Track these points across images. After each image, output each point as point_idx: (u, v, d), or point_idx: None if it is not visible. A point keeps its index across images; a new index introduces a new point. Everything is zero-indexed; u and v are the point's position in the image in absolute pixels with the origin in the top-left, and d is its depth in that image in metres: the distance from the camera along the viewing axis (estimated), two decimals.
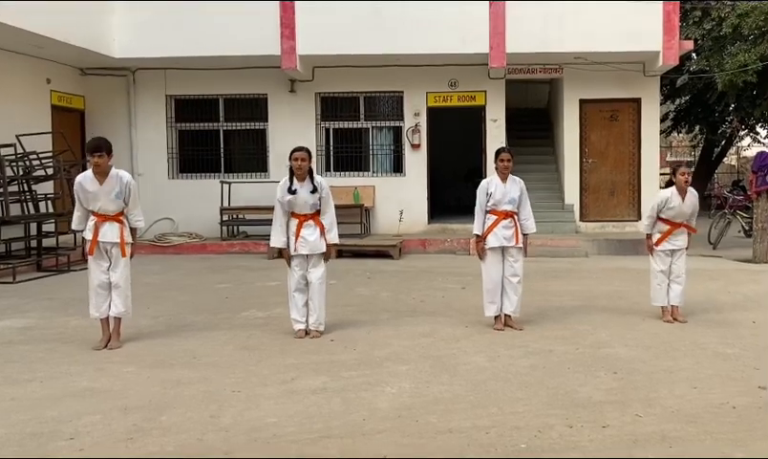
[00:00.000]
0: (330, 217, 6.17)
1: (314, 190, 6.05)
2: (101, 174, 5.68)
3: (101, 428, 3.96)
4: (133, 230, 5.97)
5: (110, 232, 5.75)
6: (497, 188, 6.36)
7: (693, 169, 14.33)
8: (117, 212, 5.79)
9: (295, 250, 6.10)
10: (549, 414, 4.13)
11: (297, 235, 6.07)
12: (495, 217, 6.35)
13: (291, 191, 6.02)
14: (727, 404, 4.29)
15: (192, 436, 3.85)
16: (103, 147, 5.62)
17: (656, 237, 6.68)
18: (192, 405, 4.33)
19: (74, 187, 5.82)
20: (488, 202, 6.37)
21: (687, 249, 6.68)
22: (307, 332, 6.15)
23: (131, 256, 5.94)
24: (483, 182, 6.54)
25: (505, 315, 6.42)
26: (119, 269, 5.84)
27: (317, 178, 6.13)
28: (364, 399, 4.44)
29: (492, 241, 6.35)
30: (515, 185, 6.42)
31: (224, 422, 4.06)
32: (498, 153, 6.48)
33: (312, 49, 12.40)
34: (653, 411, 4.17)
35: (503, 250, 6.41)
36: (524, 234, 6.44)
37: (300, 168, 6.01)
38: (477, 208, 6.44)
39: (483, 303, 6.46)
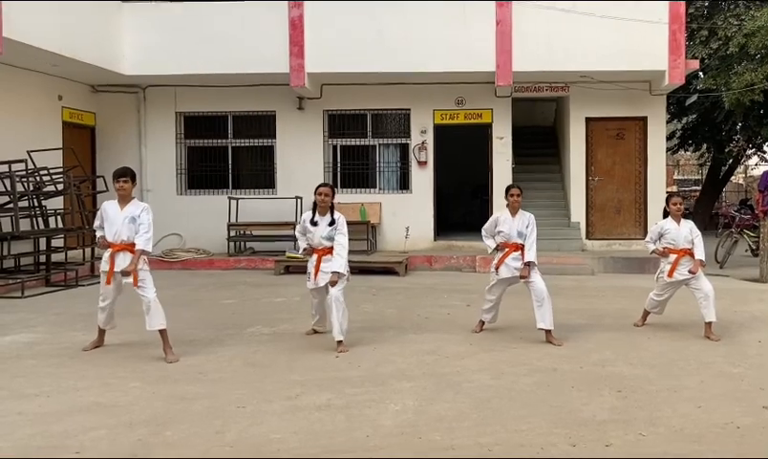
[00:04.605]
0: (339, 244, 6.32)
1: (332, 223, 6.39)
2: (124, 199, 6.02)
3: (107, 443, 4.00)
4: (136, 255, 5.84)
5: (124, 263, 5.92)
6: (505, 222, 6.74)
7: (699, 189, 14.21)
8: (131, 242, 5.94)
9: (316, 283, 6.41)
10: (553, 432, 4.13)
11: (317, 270, 6.37)
12: (506, 249, 6.67)
13: (313, 223, 6.39)
14: (731, 423, 4.29)
15: (197, 452, 3.88)
16: (128, 174, 6.05)
17: (667, 268, 6.87)
18: (197, 421, 4.36)
19: (99, 210, 6.17)
20: (498, 235, 6.74)
21: (696, 272, 6.76)
22: (315, 331, 6.74)
23: (130, 273, 5.81)
24: (495, 214, 7.03)
25: (545, 331, 6.56)
26: (143, 292, 5.93)
27: (337, 213, 6.44)
28: (368, 416, 4.46)
29: (504, 272, 6.69)
30: (524, 219, 6.72)
31: (228, 438, 4.09)
32: (508, 189, 6.85)
33: (321, 67, 12.51)
34: (657, 430, 4.17)
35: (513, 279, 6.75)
36: (526, 263, 6.57)
37: (323, 202, 6.40)
38: (483, 233, 6.91)
39: (482, 308, 6.99)
